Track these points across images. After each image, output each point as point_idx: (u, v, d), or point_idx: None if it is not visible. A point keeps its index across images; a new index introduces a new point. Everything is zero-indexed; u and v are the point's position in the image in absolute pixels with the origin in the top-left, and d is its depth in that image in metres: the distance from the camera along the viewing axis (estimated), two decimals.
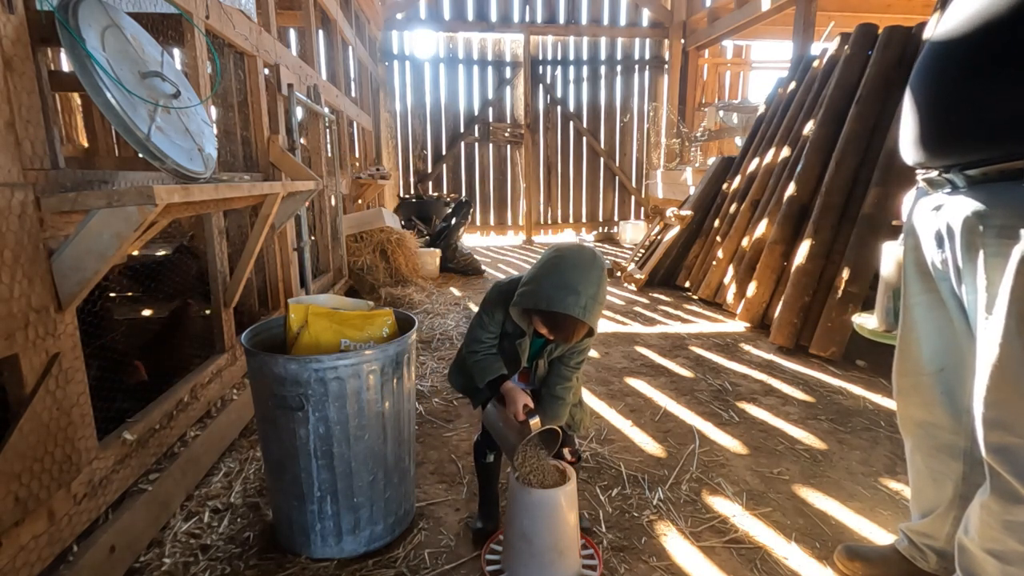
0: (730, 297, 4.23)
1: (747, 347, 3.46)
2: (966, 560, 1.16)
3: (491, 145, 8.72)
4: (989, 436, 1.07)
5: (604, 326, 3.96)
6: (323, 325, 1.60)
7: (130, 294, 3.11)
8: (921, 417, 1.36)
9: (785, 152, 4.27)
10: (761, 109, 5.20)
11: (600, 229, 9.22)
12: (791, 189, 3.85)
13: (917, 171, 1.24)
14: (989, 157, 1.02)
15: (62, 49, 1.46)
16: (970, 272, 1.08)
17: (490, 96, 8.57)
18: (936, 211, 1.17)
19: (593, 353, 3.35)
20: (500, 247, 8.36)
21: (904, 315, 1.35)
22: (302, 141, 3.74)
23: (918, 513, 1.45)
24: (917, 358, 1.33)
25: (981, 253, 1.04)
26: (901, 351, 1.38)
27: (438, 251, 5.82)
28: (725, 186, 5.08)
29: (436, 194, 8.20)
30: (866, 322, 1.65)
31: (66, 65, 4.25)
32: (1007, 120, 0.98)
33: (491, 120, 8.65)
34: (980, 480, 1.23)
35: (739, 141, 6.39)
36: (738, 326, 3.93)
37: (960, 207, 1.09)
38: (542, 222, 9.07)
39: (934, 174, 1.16)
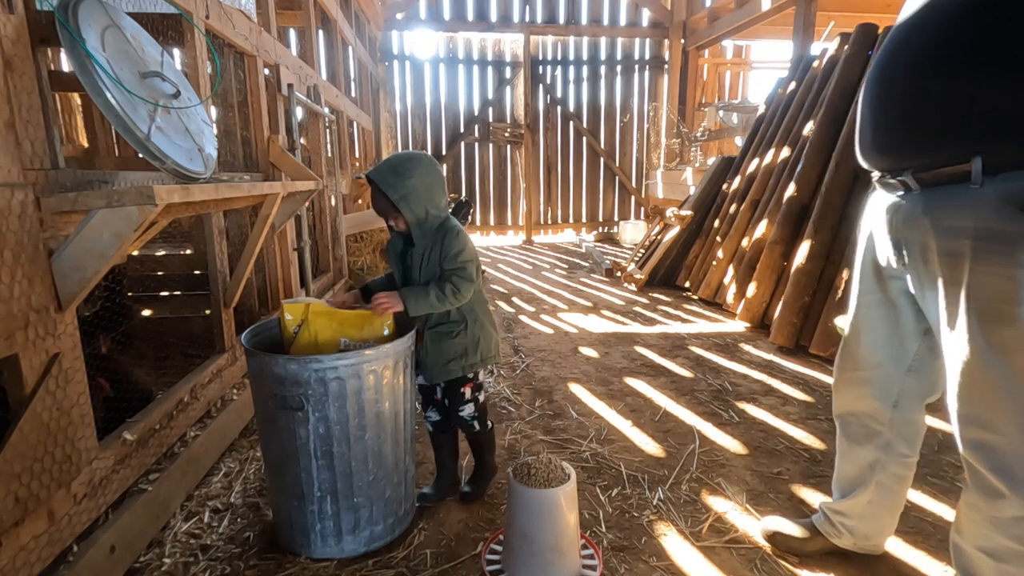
0: (730, 297, 4.23)
1: (747, 347, 3.46)
2: (962, 559, 1.18)
3: (491, 145, 8.71)
4: (965, 432, 1.09)
5: (604, 326, 3.96)
6: (323, 324, 1.60)
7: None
8: (855, 407, 1.44)
9: (785, 152, 4.27)
10: (761, 109, 5.20)
11: (600, 229, 9.22)
12: (791, 189, 3.85)
13: (872, 173, 1.26)
14: (938, 160, 1.04)
15: (62, 49, 1.46)
16: (926, 273, 1.11)
17: (490, 96, 8.57)
18: (891, 212, 1.20)
19: (593, 353, 3.36)
20: (500, 247, 8.36)
21: (854, 312, 1.41)
22: (302, 141, 3.74)
23: (838, 493, 1.54)
24: (858, 353, 1.40)
25: (935, 254, 1.06)
26: (846, 345, 1.45)
27: None
28: (725, 186, 5.08)
29: None
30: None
31: (66, 65, 4.25)
32: (953, 124, 1.00)
33: (491, 120, 8.64)
34: (895, 469, 1.40)
35: (739, 141, 6.39)
36: (738, 326, 3.93)
37: (914, 209, 1.11)
38: (542, 222, 9.06)
39: (888, 177, 1.18)
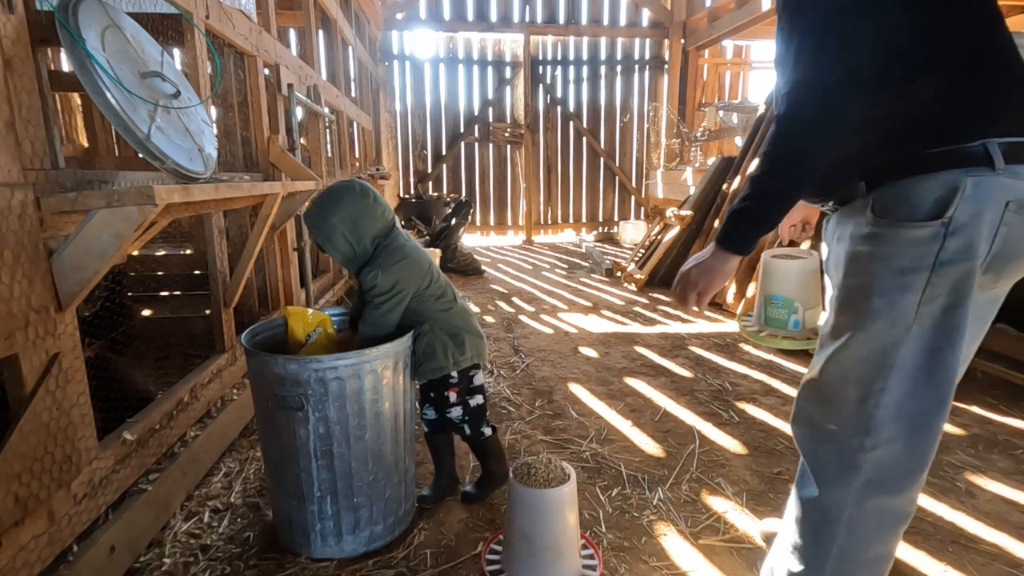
0: (730, 297, 4.23)
1: (747, 347, 3.46)
2: None
3: (491, 145, 8.71)
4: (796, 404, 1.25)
5: (604, 326, 3.96)
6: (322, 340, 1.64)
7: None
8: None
9: None
10: (761, 109, 5.20)
11: (600, 229, 9.22)
12: None
13: None
14: (830, 200, 1.24)
15: (62, 49, 1.46)
16: (831, 277, 1.29)
17: (490, 96, 8.57)
18: (824, 225, 1.38)
19: (593, 353, 3.36)
20: (500, 247, 8.36)
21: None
22: (302, 141, 3.74)
23: None
24: None
25: (831, 262, 1.26)
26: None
27: (438, 251, 5.81)
28: (725, 186, 5.07)
29: (436, 194, 8.19)
30: (746, 323, 1.79)
31: (66, 65, 4.25)
32: (829, 183, 1.18)
33: (491, 120, 8.64)
34: None
35: (739, 141, 6.38)
36: (738, 326, 3.92)
37: (831, 223, 1.31)
38: (542, 222, 9.07)
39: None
